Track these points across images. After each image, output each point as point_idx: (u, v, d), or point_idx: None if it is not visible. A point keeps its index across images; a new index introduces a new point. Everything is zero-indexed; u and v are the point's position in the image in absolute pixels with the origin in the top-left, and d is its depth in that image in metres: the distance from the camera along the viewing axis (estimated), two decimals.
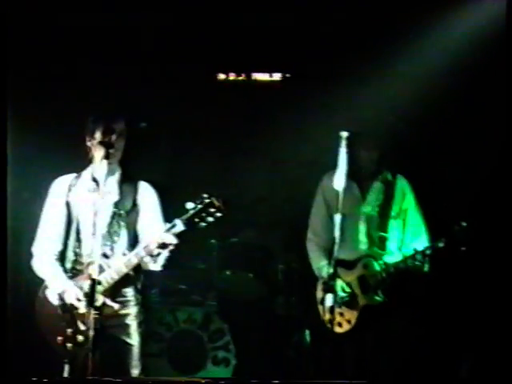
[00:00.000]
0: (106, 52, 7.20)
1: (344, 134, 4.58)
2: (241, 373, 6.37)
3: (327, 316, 4.56)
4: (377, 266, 5.08)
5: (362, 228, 5.21)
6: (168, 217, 4.56)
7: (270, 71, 8.07)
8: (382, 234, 5.17)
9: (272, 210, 7.45)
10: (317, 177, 5.55)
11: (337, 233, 4.49)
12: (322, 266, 5.23)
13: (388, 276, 5.03)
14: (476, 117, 6.85)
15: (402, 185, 5.28)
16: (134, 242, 4.55)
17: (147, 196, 4.63)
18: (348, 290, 5.10)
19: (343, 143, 4.56)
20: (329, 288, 4.48)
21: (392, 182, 5.26)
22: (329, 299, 4.42)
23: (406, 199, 5.25)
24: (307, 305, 6.45)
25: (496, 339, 6.07)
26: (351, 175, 4.96)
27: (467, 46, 6.57)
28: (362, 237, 5.22)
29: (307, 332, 6.36)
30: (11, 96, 5.11)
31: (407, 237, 5.22)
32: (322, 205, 5.33)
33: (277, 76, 8.07)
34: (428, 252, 4.95)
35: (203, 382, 4.26)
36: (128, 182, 4.63)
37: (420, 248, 5.00)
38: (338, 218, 4.52)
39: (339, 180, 4.58)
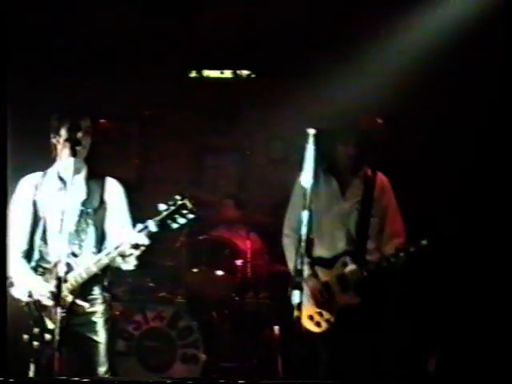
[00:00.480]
0: (73, 49, 7.18)
1: (311, 131, 4.55)
2: (210, 370, 6.35)
3: (296, 313, 4.52)
4: (357, 265, 4.96)
5: (341, 225, 5.07)
6: (137, 214, 4.58)
7: (241, 69, 8.09)
8: (362, 231, 5.03)
9: (242, 208, 7.45)
10: (287, 174, 5.51)
11: (304, 229, 4.45)
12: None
13: (369, 275, 4.91)
14: (455, 113, 6.92)
15: (382, 182, 5.15)
16: (101, 239, 4.53)
17: (114, 193, 4.61)
18: (327, 289, 5.00)
19: (310, 140, 4.54)
20: (296, 284, 4.42)
21: (372, 179, 5.11)
22: (296, 296, 4.38)
23: (385, 196, 5.12)
24: (277, 302, 6.51)
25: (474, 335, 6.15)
26: (330, 171, 4.93)
27: (440, 41, 6.63)
28: (341, 234, 5.07)
29: (277, 329, 6.35)
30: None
31: (386, 235, 5.09)
32: (299, 201, 5.13)
33: (247, 73, 8.09)
34: (411, 250, 4.82)
35: (169, 382, 4.25)
36: (94, 179, 4.60)
37: (402, 246, 4.88)
38: (305, 214, 4.50)
39: (306, 177, 4.57)
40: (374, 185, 5.08)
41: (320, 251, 4.94)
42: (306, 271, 4.87)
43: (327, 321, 4.99)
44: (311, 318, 5.00)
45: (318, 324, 5.00)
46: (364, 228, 5.02)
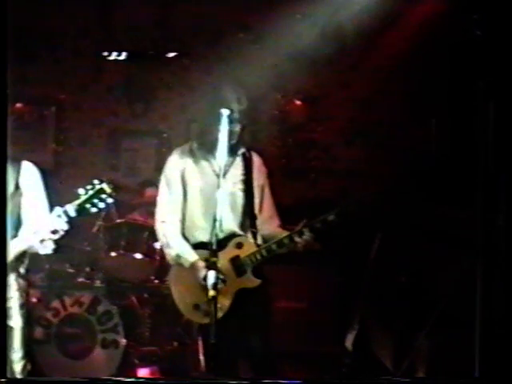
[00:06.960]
0: None
1: (225, 112, 4.61)
2: (130, 355, 6.33)
3: (211, 293, 4.46)
4: (252, 246, 4.82)
5: (226, 206, 4.76)
6: (54, 199, 4.54)
7: (158, 51, 8.05)
8: (249, 211, 4.89)
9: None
10: None
11: (219, 211, 4.41)
12: (184, 252, 4.84)
13: (268, 255, 4.75)
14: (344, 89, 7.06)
15: (258, 162, 5.04)
16: (17, 225, 4.46)
17: (29, 177, 4.54)
18: (219, 274, 4.48)
19: (224, 121, 4.59)
20: (211, 265, 4.33)
21: (249, 159, 4.99)
22: (211, 276, 4.33)
23: (262, 176, 5.02)
24: None
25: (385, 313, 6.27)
26: (210, 151, 4.85)
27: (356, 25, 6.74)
28: (227, 216, 4.79)
29: None
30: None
31: (263, 215, 4.97)
32: (178, 183, 4.92)
33: (164, 56, 8.04)
34: (317, 226, 4.69)
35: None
36: (10, 163, 4.51)
37: (306, 223, 4.74)
38: (219, 194, 4.49)
39: (221, 157, 4.59)
40: (252, 164, 4.98)
41: (203, 234, 4.72)
42: (189, 257, 4.78)
43: (220, 309, 4.52)
44: (197, 307, 4.77)
45: (206, 313, 4.54)
46: (250, 208, 4.90)
